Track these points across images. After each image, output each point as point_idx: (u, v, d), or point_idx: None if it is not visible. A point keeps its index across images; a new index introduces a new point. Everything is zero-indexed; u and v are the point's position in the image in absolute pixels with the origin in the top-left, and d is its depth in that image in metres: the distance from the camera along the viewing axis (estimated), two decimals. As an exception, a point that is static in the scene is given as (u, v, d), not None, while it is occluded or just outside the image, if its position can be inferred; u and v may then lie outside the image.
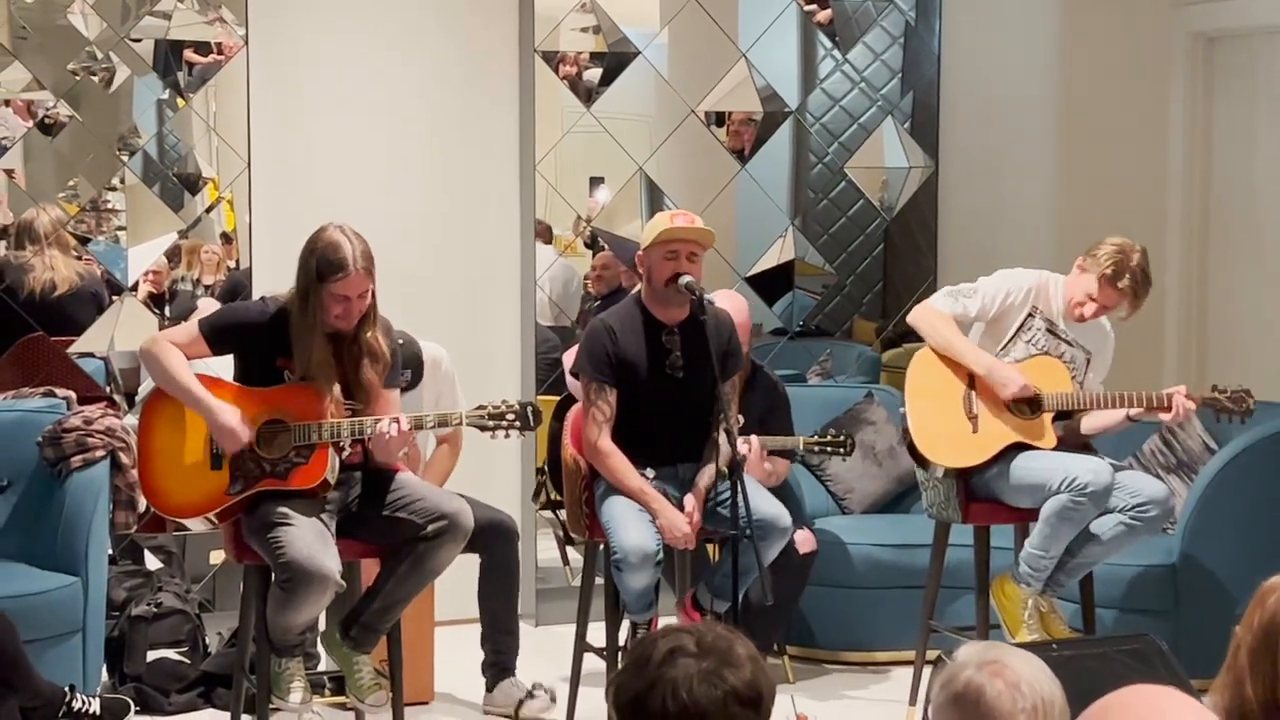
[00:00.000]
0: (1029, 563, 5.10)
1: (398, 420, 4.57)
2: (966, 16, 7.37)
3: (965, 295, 5.28)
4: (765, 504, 4.95)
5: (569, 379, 5.73)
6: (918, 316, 5.33)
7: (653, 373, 5.01)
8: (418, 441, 5.47)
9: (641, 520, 4.90)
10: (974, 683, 2.28)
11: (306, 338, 4.59)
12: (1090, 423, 5.27)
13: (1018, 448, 5.15)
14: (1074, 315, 5.23)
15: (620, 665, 2.21)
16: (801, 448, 5.69)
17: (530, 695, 5.45)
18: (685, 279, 4.93)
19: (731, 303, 5.52)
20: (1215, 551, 5.63)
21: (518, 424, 4.69)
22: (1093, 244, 5.24)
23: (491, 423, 4.69)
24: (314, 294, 4.56)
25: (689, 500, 4.96)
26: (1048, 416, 5.18)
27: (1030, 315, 5.25)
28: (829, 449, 5.69)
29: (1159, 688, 2.38)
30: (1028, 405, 5.17)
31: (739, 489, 4.59)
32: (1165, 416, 5.17)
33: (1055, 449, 5.15)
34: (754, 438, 5.41)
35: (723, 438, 4.75)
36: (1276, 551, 5.63)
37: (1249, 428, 5.69)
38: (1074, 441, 5.27)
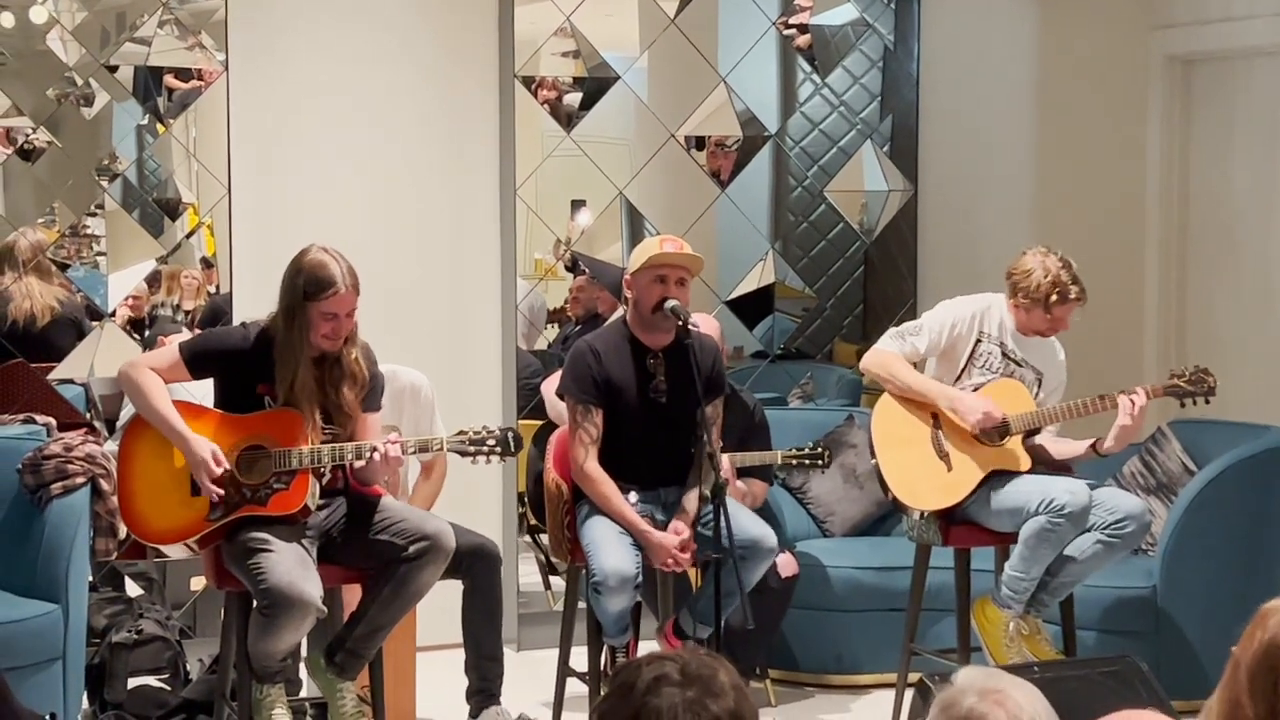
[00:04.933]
0: (1009, 585, 5.11)
1: (384, 444, 4.56)
2: (945, 40, 7.39)
3: (912, 334, 5.28)
4: (751, 525, 4.95)
5: (548, 406, 5.73)
6: (871, 362, 5.33)
7: (637, 396, 5.02)
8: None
9: (622, 543, 4.89)
10: (977, 711, 2.28)
11: (291, 360, 4.58)
12: (1057, 451, 5.28)
13: (994, 474, 5.16)
14: (1033, 333, 5.25)
15: (603, 692, 2.21)
16: (780, 461, 5.71)
17: (515, 726, 5.43)
18: (671, 303, 4.94)
19: (705, 326, 5.53)
20: (1195, 573, 5.64)
21: (499, 449, 4.68)
22: (1013, 276, 5.21)
23: (472, 448, 4.67)
24: (300, 314, 4.56)
25: (677, 523, 4.96)
26: (1017, 439, 5.19)
27: (979, 341, 5.26)
28: (806, 461, 5.71)
29: (1145, 712, 2.38)
30: (995, 431, 5.18)
31: (722, 512, 4.60)
32: (1121, 418, 5.15)
33: (1031, 471, 5.17)
34: (724, 456, 5.41)
35: (706, 461, 4.75)
36: (1255, 572, 5.65)
37: (1227, 449, 5.72)
38: (1051, 464, 5.29)
